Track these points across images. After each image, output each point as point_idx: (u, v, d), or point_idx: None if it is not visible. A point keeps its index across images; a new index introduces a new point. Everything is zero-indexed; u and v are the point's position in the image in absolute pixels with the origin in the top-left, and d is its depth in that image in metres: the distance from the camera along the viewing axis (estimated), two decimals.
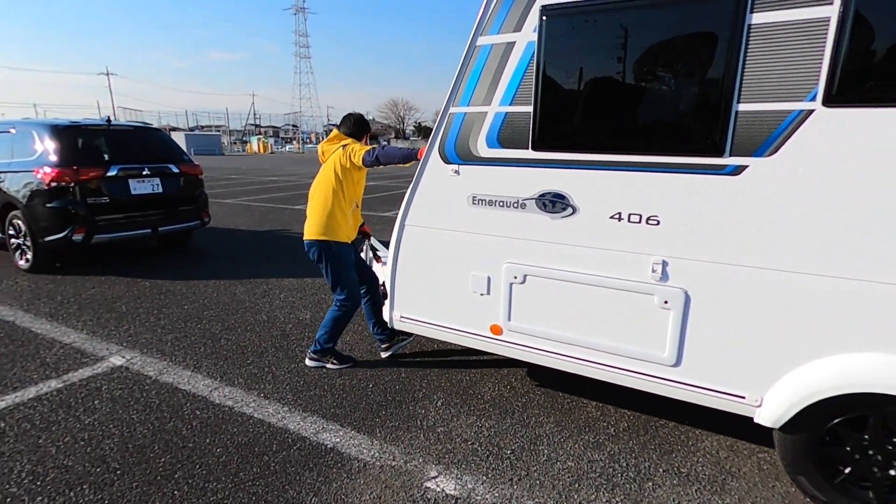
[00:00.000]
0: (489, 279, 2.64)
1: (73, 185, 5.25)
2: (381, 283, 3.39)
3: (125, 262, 6.07)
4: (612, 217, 2.27)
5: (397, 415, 2.78)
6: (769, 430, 2.13)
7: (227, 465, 2.36)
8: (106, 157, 5.62)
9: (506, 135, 2.45)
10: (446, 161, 2.65)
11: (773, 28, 1.85)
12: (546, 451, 2.47)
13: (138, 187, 5.72)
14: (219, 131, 76.12)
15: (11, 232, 5.63)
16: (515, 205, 2.49)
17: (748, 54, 1.90)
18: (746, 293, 2.04)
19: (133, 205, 5.70)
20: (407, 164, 3.10)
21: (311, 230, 3.14)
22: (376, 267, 3.64)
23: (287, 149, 66.26)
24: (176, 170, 6.09)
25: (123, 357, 3.48)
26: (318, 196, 3.16)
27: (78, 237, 5.32)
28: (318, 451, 2.46)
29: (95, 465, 2.34)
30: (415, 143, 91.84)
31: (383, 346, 3.46)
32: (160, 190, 5.91)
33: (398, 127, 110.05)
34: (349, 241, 3.24)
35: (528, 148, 2.40)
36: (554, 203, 2.39)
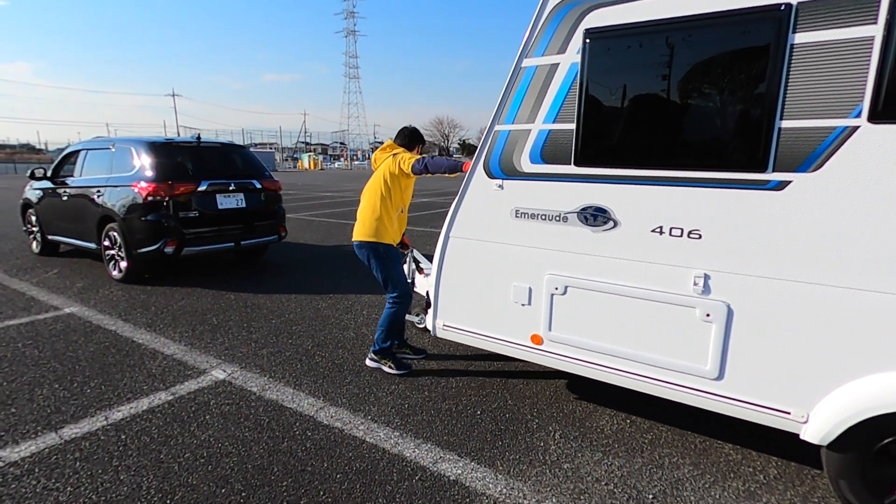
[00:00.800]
0: (531, 290, 2.70)
1: (167, 199, 5.45)
2: (425, 293, 3.52)
3: (206, 274, 6.24)
4: (653, 231, 2.30)
5: (515, 446, 2.61)
6: (817, 448, 2.07)
7: (350, 493, 2.25)
8: (196, 172, 5.81)
9: (549, 151, 2.54)
10: (491, 176, 2.76)
11: (816, 47, 1.89)
12: (692, 497, 2.24)
13: (224, 202, 5.88)
14: (272, 149, 79.37)
15: (107, 243, 5.89)
16: (557, 218, 2.56)
17: (791, 72, 1.93)
18: (790, 307, 2.04)
19: (219, 219, 5.86)
20: (453, 175, 3.26)
21: (361, 232, 3.35)
22: (419, 278, 3.78)
23: (336, 165, 68.16)
24: (259, 185, 6.24)
25: (224, 371, 3.48)
26: (368, 200, 3.35)
27: (169, 249, 5.49)
28: (441, 483, 2.32)
29: (219, 485, 2.29)
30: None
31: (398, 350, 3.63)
32: (244, 205, 6.05)
33: (443, 144, 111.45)
34: (394, 244, 3.44)
35: (570, 164, 2.48)
36: (595, 217, 2.45)
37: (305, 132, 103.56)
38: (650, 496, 2.24)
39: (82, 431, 2.72)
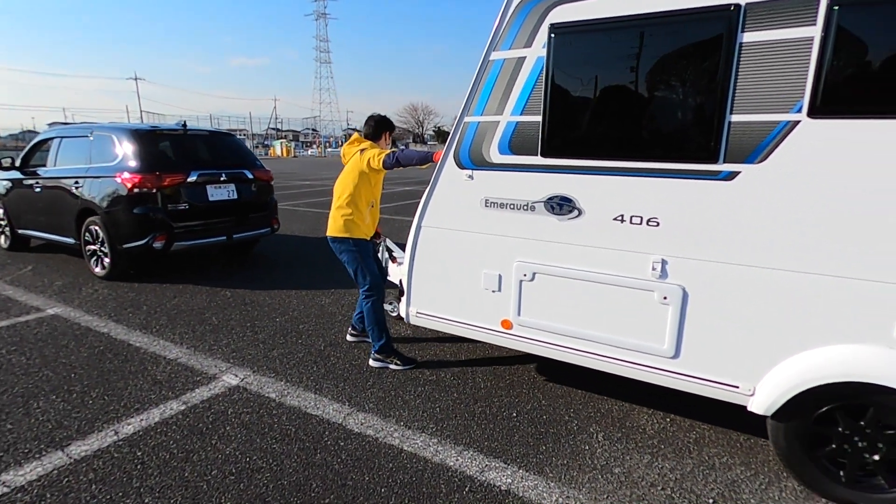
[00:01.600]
0: (500, 277, 2.81)
1: (155, 191, 5.11)
2: (398, 282, 3.56)
3: (195, 269, 5.93)
4: (615, 219, 2.43)
5: (560, 451, 2.52)
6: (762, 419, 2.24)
7: None
8: (185, 162, 5.47)
9: (516, 142, 2.63)
10: (461, 166, 2.83)
11: (762, 46, 2.01)
12: (752, 500, 2.18)
13: (215, 193, 5.57)
14: (242, 135, 77.09)
15: (88, 238, 5.51)
16: (525, 207, 2.66)
17: (740, 69, 2.05)
18: (739, 289, 2.19)
19: (210, 211, 5.55)
20: (424, 166, 3.27)
21: (333, 228, 3.38)
22: (392, 267, 3.82)
23: (309, 153, 66.69)
24: (250, 175, 5.94)
25: (236, 375, 3.28)
26: (338, 196, 3.35)
27: (158, 244, 5.18)
28: (493, 493, 2.21)
29: None
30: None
31: (353, 334, 3.83)
32: (235, 196, 5.75)
33: (417, 131, 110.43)
34: (367, 238, 3.45)
35: (537, 154, 2.58)
36: (561, 206, 2.56)
37: (276, 118, 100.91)
38: (710, 500, 2.18)
39: (92, 449, 2.49)
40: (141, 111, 70.79)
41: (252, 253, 6.83)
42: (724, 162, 2.13)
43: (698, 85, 2.17)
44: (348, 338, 3.85)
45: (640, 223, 2.37)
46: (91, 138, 5.59)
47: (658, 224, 2.33)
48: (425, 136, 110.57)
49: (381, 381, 3.22)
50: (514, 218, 2.71)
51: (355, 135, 3.52)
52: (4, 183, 6.61)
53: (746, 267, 2.15)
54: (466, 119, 2.77)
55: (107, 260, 5.39)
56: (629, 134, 2.38)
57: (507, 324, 2.84)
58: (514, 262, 2.75)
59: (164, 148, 5.46)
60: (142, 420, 2.75)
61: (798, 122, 1.97)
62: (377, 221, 3.61)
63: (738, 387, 2.25)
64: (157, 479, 2.27)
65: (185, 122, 5.81)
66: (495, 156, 2.70)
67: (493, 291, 2.85)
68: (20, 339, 3.83)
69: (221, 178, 5.61)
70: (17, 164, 6.42)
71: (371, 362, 3.45)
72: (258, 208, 6.07)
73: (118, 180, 5.12)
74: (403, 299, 3.26)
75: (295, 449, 2.51)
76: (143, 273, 5.63)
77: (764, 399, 2.15)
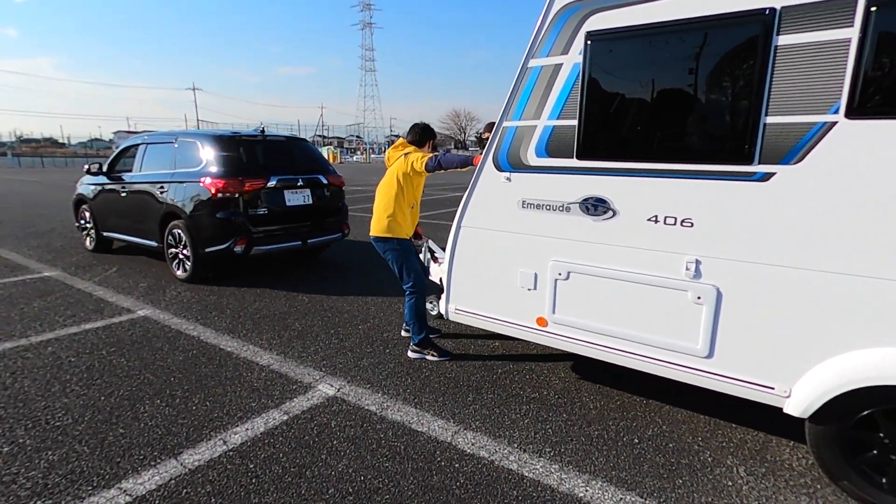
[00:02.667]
0: (536, 275, 2.87)
1: (237, 195, 5.18)
2: (438, 280, 3.74)
3: (268, 274, 5.98)
4: (649, 219, 2.45)
5: (699, 486, 2.27)
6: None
7: None
8: (264, 168, 5.53)
9: (553, 145, 2.69)
10: (499, 169, 2.92)
11: (798, 48, 2.01)
12: None
13: (292, 199, 5.60)
14: None
15: (170, 241, 5.65)
16: (561, 208, 2.72)
17: (776, 72, 2.06)
18: (775, 290, 2.17)
19: (287, 216, 5.58)
20: (464, 169, 3.40)
21: (376, 229, 3.55)
22: (433, 267, 3.93)
23: (354, 159, 68.02)
24: (325, 181, 5.95)
25: (331, 385, 3.19)
26: (382, 198, 3.53)
27: (239, 248, 5.24)
28: None
29: None
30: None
31: (406, 330, 3.90)
32: (310, 201, 5.77)
33: (459, 137, 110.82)
34: (409, 237, 3.62)
35: (573, 157, 2.63)
36: (596, 206, 2.60)
37: (323, 125, 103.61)
38: None
39: (204, 458, 2.44)
40: (198, 120, 74.25)
41: (319, 258, 6.85)
42: (760, 163, 2.13)
43: (733, 88, 2.20)
44: (403, 333, 4.03)
45: (675, 224, 2.38)
46: (176, 145, 5.75)
47: (692, 224, 2.33)
48: (467, 142, 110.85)
49: (481, 397, 3.06)
50: (550, 218, 2.76)
51: (400, 139, 3.70)
52: (92, 187, 6.91)
53: (782, 268, 2.14)
54: (505, 124, 2.84)
55: (188, 263, 5.50)
56: (664, 136, 2.41)
57: (542, 321, 2.88)
58: (549, 262, 2.80)
59: (245, 154, 5.54)
60: (247, 430, 2.69)
61: (835, 123, 1.96)
62: (416, 222, 3.79)
63: (773, 388, 2.22)
64: (274, 496, 2.19)
65: (263, 127, 5.88)
66: (532, 159, 2.77)
67: (529, 290, 2.90)
68: (117, 341, 3.91)
69: (298, 184, 5.64)
70: (105, 169, 6.69)
71: (409, 354, 3.64)
72: (331, 213, 6.07)
73: (202, 185, 5.22)
74: (443, 297, 3.35)
75: (409, 469, 2.37)
76: (221, 277, 5.72)
77: (801, 401, 2.12)
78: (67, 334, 4.05)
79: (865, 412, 2.04)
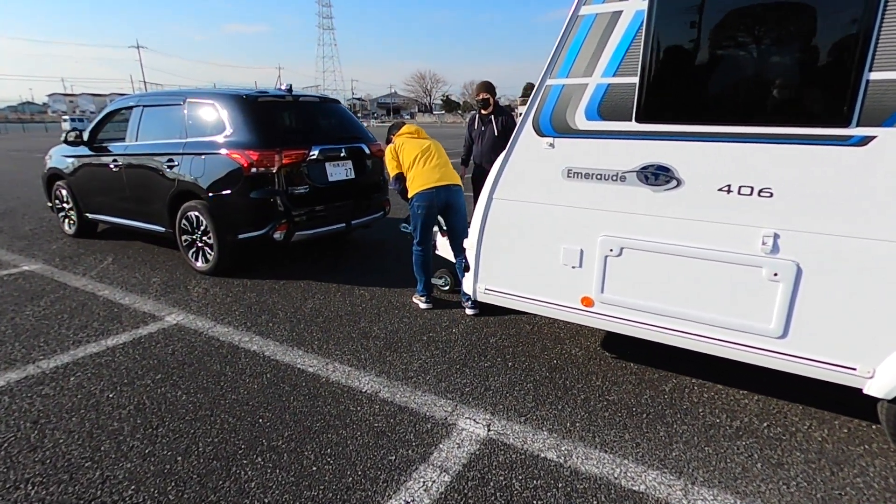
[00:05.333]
0: (582, 252, 2.64)
1: (275, 170, 4.24)
2: (435, 248, 4.00)
3: (294, 260, 5.11)
4: (720, 189, 2.23)
5: None
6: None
7: None
8: (303, 135, 4.58)
9: (607, 107, 2.41)
10: (540, 134, 2.61)
11: None
12: None
13: (334, 172, 4.70)
14: None
15: (185, 226, 4.68)
16: (614, 178, 2.46)
17: (885, 20, 1.81)
18: (865, 265, 2.00)
19: (329, 194, 4.69)
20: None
21: (458, 178, 3.81)
22: (440, 240, 3.95)
23: None
24: (367, 150, 5.04)
25: (474, 421, 2.49)
26: (444, 152, 3.86)
27: (279, 235, 4.34)
28: None
29: None
30: (441, 118, 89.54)
31: (471, 307, 3.80)
32: (352, 175, 4.87)
33: (425, 101, 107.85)
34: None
35: (630, 120, 2.36)
36: (657, 175, 2.36)
37: (281, 88, 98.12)
38: None
39: None
40: (145, 81, 68.73)
41: (344, 240, 5.99)
42: (858, 125, 1.92)
43: (831, 39, 1.94)
44: (468, 312, 3.78)
45: (751, 194, 2.16)
46: (185, 107, 4.68)
47: (771, 195, 2.12)
48: (432, 105, 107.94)
49: (677, 435, 2.43)
50: (601, 189, 2.50)
51: (415, 126, 3.99)
52: (70, 160, 5.73)
53: (877, 241, 1.96)
54: (549, 82, 2.52)
55: (210, 252, 4.56)
56: (742, 96, 2.17)
57: (587, 301, 2.68)
58: (598, 237, 2.57)
59: (279, 118, 4.56)
60: (411, 488, 1.97)
61: None
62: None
63: (854, 369, 2.09)
64: None
65: (290, 85, 4.88)
66: (581, 122, 2.48)
67: (573, 267, 2.68)
68: (158, 363, 3.05)
69: (341, 154, 4.73)
70: (86, 138, 5.52)
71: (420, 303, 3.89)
72: (374, 188, 5.20)
73: (229, 157, 4.24)
74: (468, 275, 3.10)
75: None
76: (241, 267, 4.82)
77: (887, 382, 2.00)
78: (88, 355, 3.15)
79: None
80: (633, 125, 2.36)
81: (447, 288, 4.17)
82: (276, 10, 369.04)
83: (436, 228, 3.92)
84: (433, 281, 4.12)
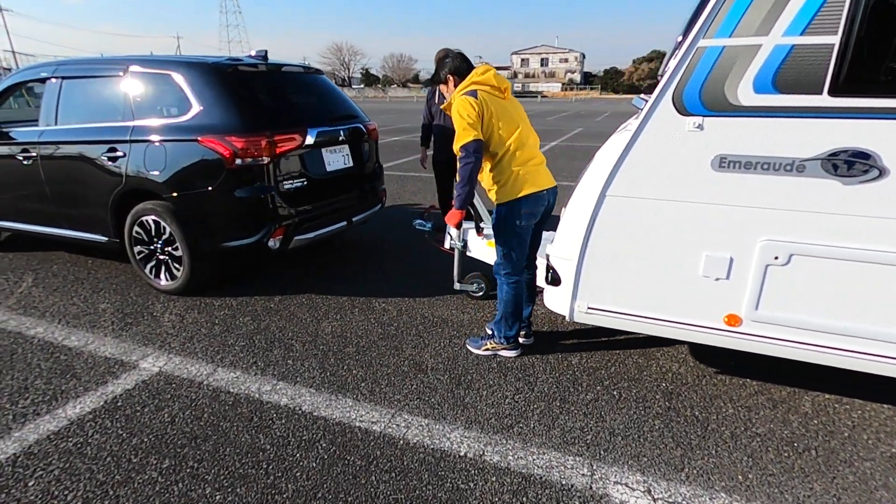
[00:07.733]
0: (731, 260, 2.19)
1: (266, 160, 3.33)
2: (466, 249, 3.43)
3: (279, 268, 4.23)
4: None
5: None
6: None
7: None
8: (295, 116, 3.67)
9: (788, 75, 1.90)
10: (683, 112, 2.08)
11: None
12: None
13: (332, 161, 3.84)
14: None
15: (139, 235, 3.64)
16: (789, 167, 2.00)
17: None
18: None
19: (328, 187, 3.84)
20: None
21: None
22: (473, 238, 3.39)
23: None
24: (365, 130, 4.21)
25: (631, 488, 1.94)
26: (537, 143, 2.70)
27: (274, 242, 3.46)
28: None
29: None
30: (361, 92, 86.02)
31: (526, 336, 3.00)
32: (351, 163, 4.04)
33: (343, 74, 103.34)
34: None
35: (821, 93, 1.88)
36: (851, 164, 1.92)
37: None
38: None
39: None
40: (13, 51, 59.17)
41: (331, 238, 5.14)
42: None
43: None
44: (521, 340, 2.94)
45: None
46: (126, 78, 3.57)
47: None
48: (352, 79, 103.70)
49: (866, 474, 2.04)
50: (768, 182, 2.03)
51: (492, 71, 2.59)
52: None
53: None
54: (701, 43, 1.97)
55: (177, 267, 3.58)
56: None
57: (734, 319, 2.24)
58: (757, 242, 2.11)
59: (266, 95, 3.60)
60: None
61: None
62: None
63: None
64: None
65: (265, 51, 3.89)
66: (747, 96, 1.97)
67: (717, 279, 2.22)
68: (156, 440, 2.18)
69: (339, 138, 3.87)
70: None
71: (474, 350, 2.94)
72: (372, 178, 4.38)
73: (203, 144, 3.27)
74: (561, 291, 2.56)
75: None
76: (214, 282, 3.88)
77: None
78: (44, 437, 2.21)
79: None
80: (824, 99, 1.87)
81: (481, 294, 3.61)
82: None
83: (466, 225, 3.33)
84: (463, 287, 3.57)
